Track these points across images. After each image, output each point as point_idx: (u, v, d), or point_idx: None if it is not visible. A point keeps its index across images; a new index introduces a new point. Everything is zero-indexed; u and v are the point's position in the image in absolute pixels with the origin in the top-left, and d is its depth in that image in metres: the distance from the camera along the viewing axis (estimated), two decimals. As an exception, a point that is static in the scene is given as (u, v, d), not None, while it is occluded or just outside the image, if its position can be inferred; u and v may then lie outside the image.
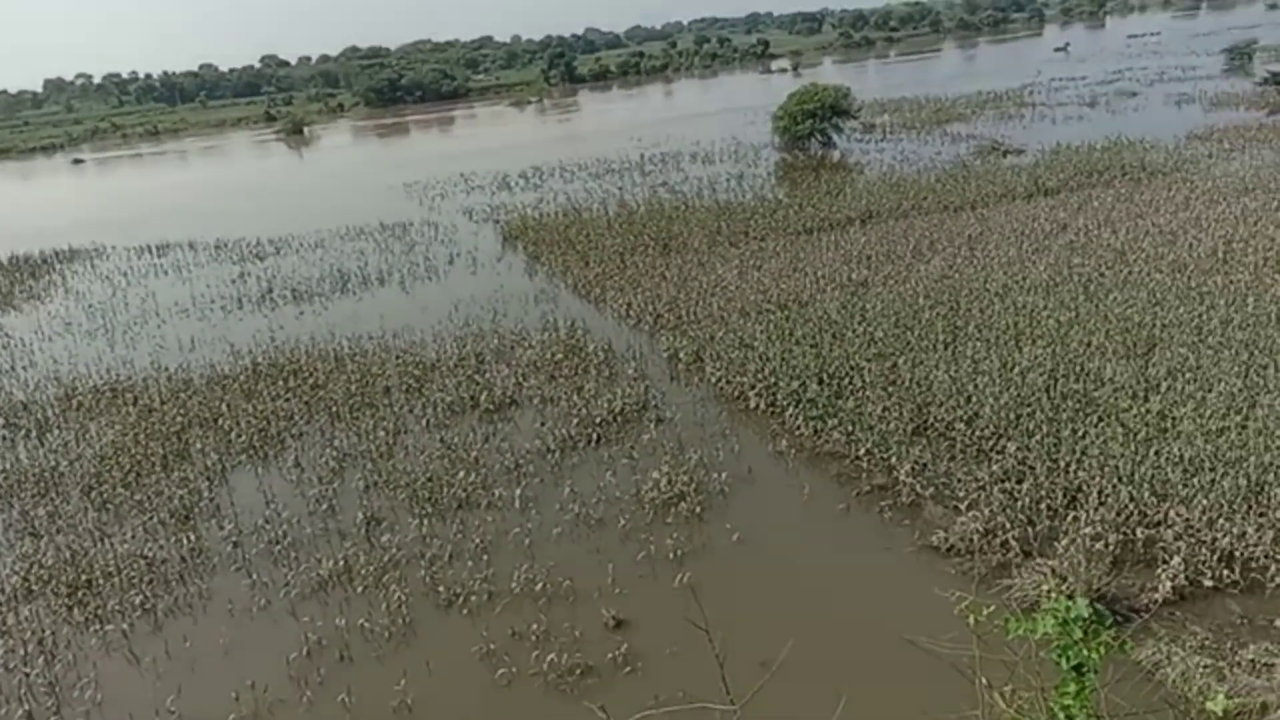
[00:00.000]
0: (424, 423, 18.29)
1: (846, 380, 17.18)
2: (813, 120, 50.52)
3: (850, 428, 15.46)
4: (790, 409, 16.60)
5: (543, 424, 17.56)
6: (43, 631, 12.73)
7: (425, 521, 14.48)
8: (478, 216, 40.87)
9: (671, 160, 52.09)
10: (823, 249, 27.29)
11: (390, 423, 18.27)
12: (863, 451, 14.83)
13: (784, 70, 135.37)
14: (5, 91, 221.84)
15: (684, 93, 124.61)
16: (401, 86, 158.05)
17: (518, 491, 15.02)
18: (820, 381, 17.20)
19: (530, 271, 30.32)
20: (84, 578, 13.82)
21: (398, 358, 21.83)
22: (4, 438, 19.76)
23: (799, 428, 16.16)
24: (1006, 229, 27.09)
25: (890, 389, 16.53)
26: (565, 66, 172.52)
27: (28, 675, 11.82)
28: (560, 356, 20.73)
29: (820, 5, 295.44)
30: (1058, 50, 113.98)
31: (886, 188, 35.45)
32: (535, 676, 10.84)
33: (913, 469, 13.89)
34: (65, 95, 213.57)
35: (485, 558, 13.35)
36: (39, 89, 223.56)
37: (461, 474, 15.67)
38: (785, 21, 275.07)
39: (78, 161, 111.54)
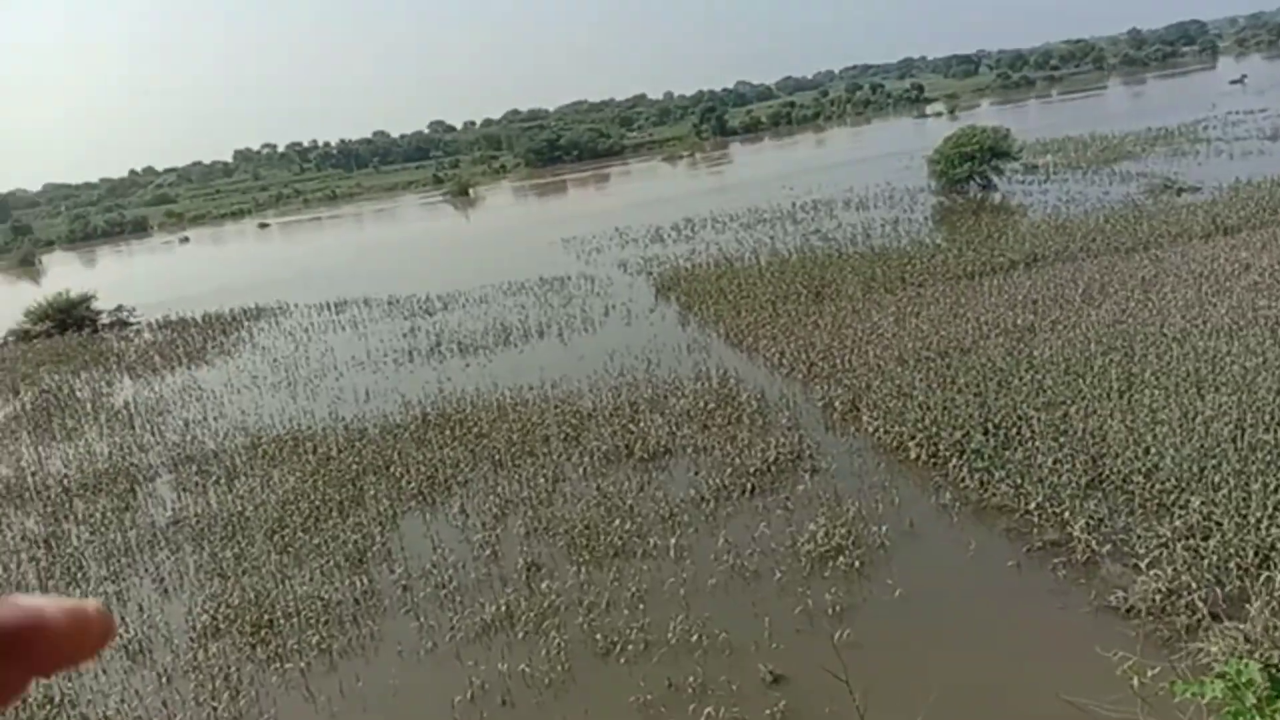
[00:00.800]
0: (581, 471, 18.64)
1: (1014, 430, 16.53)
2: (971, 163, 49.28)
3: (1019, 480, 14.84)
4: (954, 460, 16.08)
5: (696, 473, 17.61)
6: (228, 668, 13.52)
7: (583, 569, 14.70)
8: (631, 269, 41.65)
9: (824, 207, 51.78)
10: (985, 294, 26.48)
11: (549, 470, 18.71)
12: (1033, 505, 14.19)
13: (939, 114, 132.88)
14: (200, 163, 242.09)
15: (836, 140, 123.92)
16: (559, 146, 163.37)
17: (672, 541, 15.07)
18: (985, 431, 16.61)
19: (683, 322, 30.62)
20: (266, 617, 14.65)
21: (556, 407, 22.38)
22: (197, 484, 21.27)
23: (963, 480, 15.62)
24: (1183, 270, 25.60)
25: (1061, 439, 15.79)
26: (716, 120, 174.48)
27: (215, 709, 12.58)
28: (713, 406, 20.79)
29: (976, 47, 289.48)
30: (1233, 83, 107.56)
31: (1052, 229, 34.15)
32: (692, 729, 10.78)
33: (1088, 524, 13.19)
34: (252, 164, 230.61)
35: (641, 607, 13.42)
36: (229, 159, 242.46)
37: (617, 522, 15.87)
38: (940, 65, 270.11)
39: (263, 225, 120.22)
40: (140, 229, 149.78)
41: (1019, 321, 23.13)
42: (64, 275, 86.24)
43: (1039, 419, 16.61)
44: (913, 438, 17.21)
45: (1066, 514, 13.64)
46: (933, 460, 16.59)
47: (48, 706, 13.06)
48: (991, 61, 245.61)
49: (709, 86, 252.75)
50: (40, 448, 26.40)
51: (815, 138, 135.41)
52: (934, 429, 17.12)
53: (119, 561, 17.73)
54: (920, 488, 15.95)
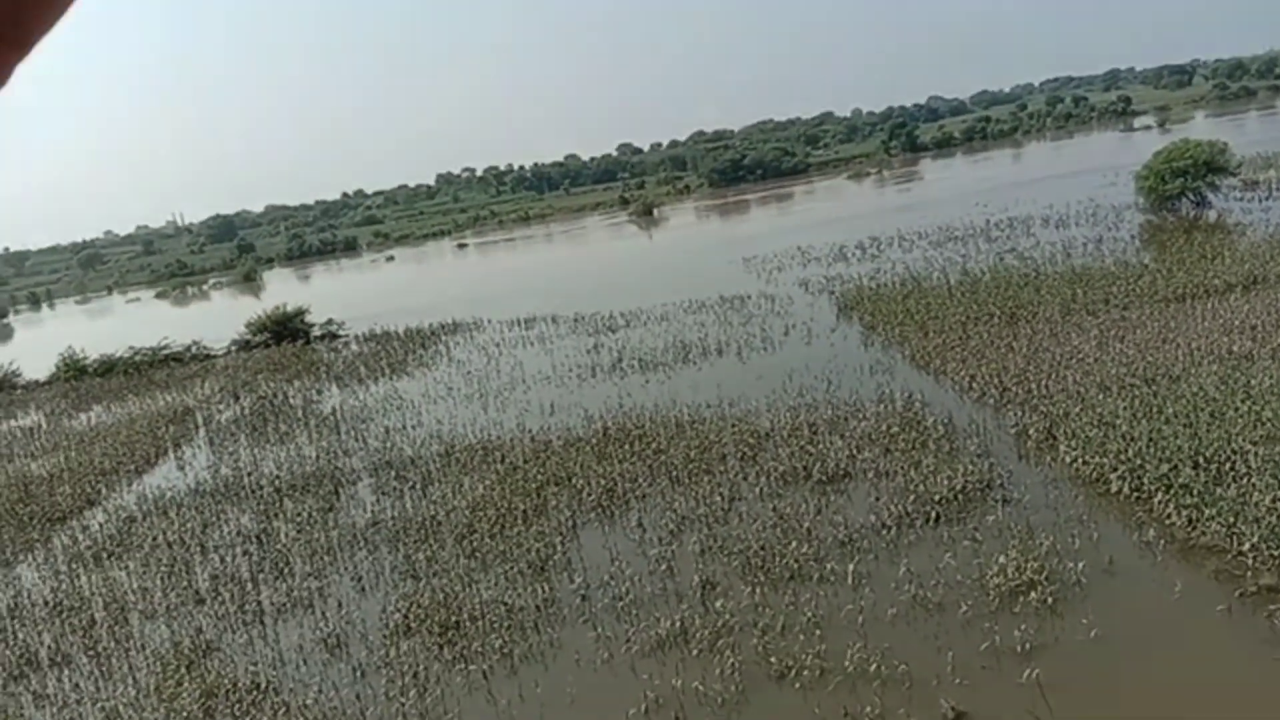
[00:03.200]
0: (757, 490, 18.53)
1: (1227, 465, 15.26)
2: (1183, 179, 46.00)
3: (1232, 519, 13.68)
4: (1159, 495, 15.01)
5: (877, 498, 17.17)
6: (417, 666, 14.18)
7: (758, 590, 14.59)
8: (813, 288, 41.18)
9: (1020, 225, 49.60)
10: (1196, 318, 24.63)
11: (725, 489, 18.69)
12: (1247, 546, 13.05)
13: (1148, 127, 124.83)
14: (405, 186, 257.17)
15: (1034, 156, 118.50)
16: (743, 166, 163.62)
17: (850, 567, 14.74)
18: (1195, 465, 15.41)
19: (866, 342, 29.99)
20: (453, 619, 15.30)
21: (734, 426, 22.36)
22: (395, 488, 22.49)
23: (1169, 516, 14.55)
24: None
25: (1283, 477, 14.47)
26: (906, 136, 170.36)
27: (403, 705, 13.22)
28: (896, 429, 20.22)
29: (1190, 55, 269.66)
30: None
31: (1274, 250, 31.44)
32: (868, 760, 10.49)
33: (1314, 571, 12.03)
34: (453, 187, 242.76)
35: (817, 632, 13.18)
36: (431, 182, 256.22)
37: (794, 544, 15.67)
38: (1149, 75, 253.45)
39: (461, 245, 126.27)
40: (350, 248, 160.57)
41: (1235, 348, 21.38)
42: (281, 290, 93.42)
43: (1256, 454, 15.27)
44: (1114, 469, 16.18)
45: (1289, 559, 12.48)
46: (1136, 494, 15.54)
47: (254, 692, 14.10)
48: (1208, 71, 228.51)
49: (899, 102, 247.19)
50: (256, 450, 28.61)
51: (1012, 153, 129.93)
52: (1138, 461, 16.03)
53: (322, 559, 18.97)
54: (1121, 523, 14.97)
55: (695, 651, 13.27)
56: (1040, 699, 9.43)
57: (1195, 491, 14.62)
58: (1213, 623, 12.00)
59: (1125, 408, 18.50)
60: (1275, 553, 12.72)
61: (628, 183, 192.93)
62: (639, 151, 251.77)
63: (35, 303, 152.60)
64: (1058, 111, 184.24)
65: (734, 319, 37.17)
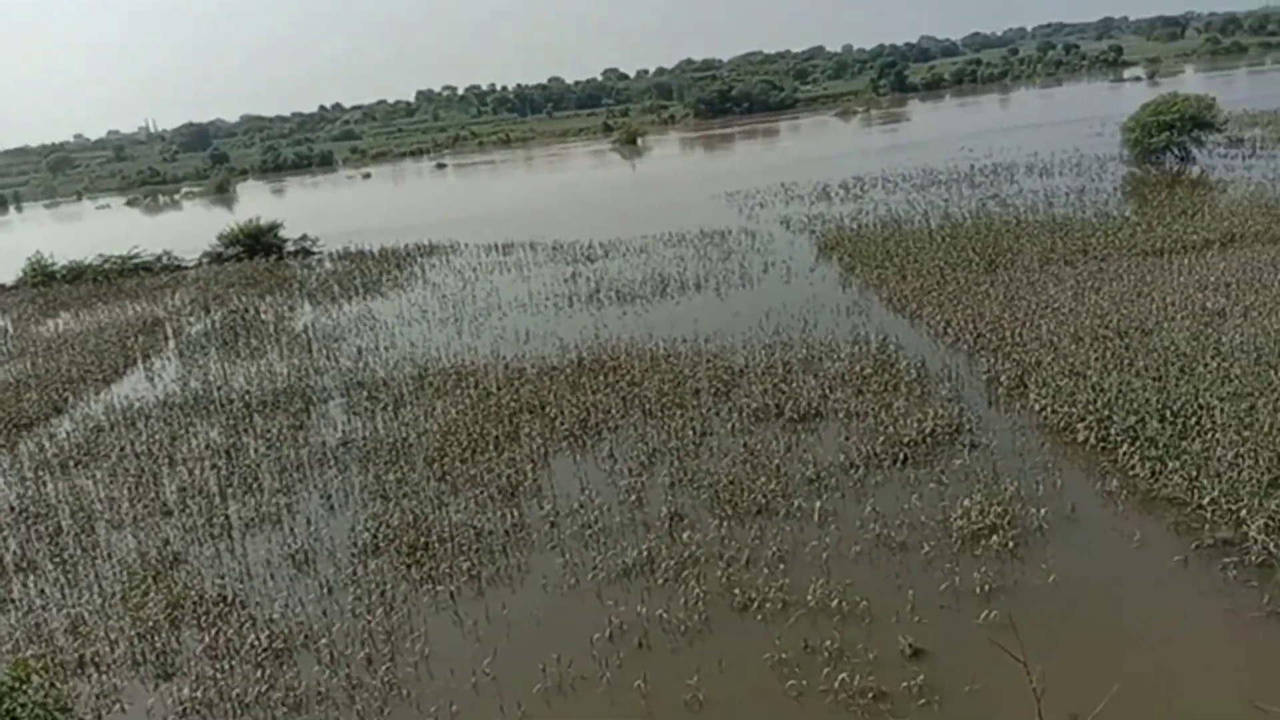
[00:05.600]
0: (729, 426, 18.63)
1: (1193, 419, 15.49)
2: (1169, 133, 45.84)
3: (1194, 472, 13.93)
4: (1125, 446, 15.24)
5: (847, 438, 17.32)
6: (385, 585, 14.26)
7: (725, 523, 14.76)
8: (795, 226, 41.00)
9: (1004, 172, 49.46)
10: (1173, 273, 24.79)
11: (698, 423, 18.78)
12: (1207, 500, 13.31)
13: (1138, 79, 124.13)
14: (385, 101, 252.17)
15: (1023, 102, 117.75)
16: (730, 98, 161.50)
17: (818, 504, 14.92)
18: (1162, 419, 15.62)
19: (844, 283, 29.98)
20: (422, 540, 15.38)
21: (708, 361, 22.39)
22: (367, 409, 22.42)
23: (1133, 467, 14.80)
24: None
25: (1245, 433, 14.70)
26: (896, 75, 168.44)
27: (369, 623, 13.33)
28: (869, 371, 20.33)
29: (1184, 8, 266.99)
30: None
31: (1255, 208, 31.56)
32: (826, 693, 10.73)
33: (1267, 525, 12.29)
34: (433, 105, 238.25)
35: (781, 566, 13.38)
36: (412, 99, 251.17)
37: (762, 480, 15.82)
38: (1142, 26, 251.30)
39: (440, 166, 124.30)
40: (326, 163, 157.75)
41: (1209, 305, 21.57)
42: (255, 203, 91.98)
43: (1222, 409, 15.50)
44: (1082, 419, 16.38)
45: (1244, 512, 12.77)
46: (1102, 445, 15.77)
47: (220, 604, 14.17)
48: (1200, 24, 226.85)
49: (890, 41, 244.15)
50: (226, 364, 28.37)
51: (1000, 98, 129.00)
52: (1106, 412, 16.23)
53: (291, 476, 18.95)
54: (1085, 472, 15.21)
55: (661, 581, 13.44)
56: (1008, 636, 9.63)
57: (1160, 444, 14.85)
58: (1169, 573, 12.29)
59: (1097, 359, 18.67)
60: (1233, 507, 12.98)
61: (612, 109, 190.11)
62: (625, 78, 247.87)
63: (2, 205, 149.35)
64: (1049, 58, 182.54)
65: (713, 254, 36.98)
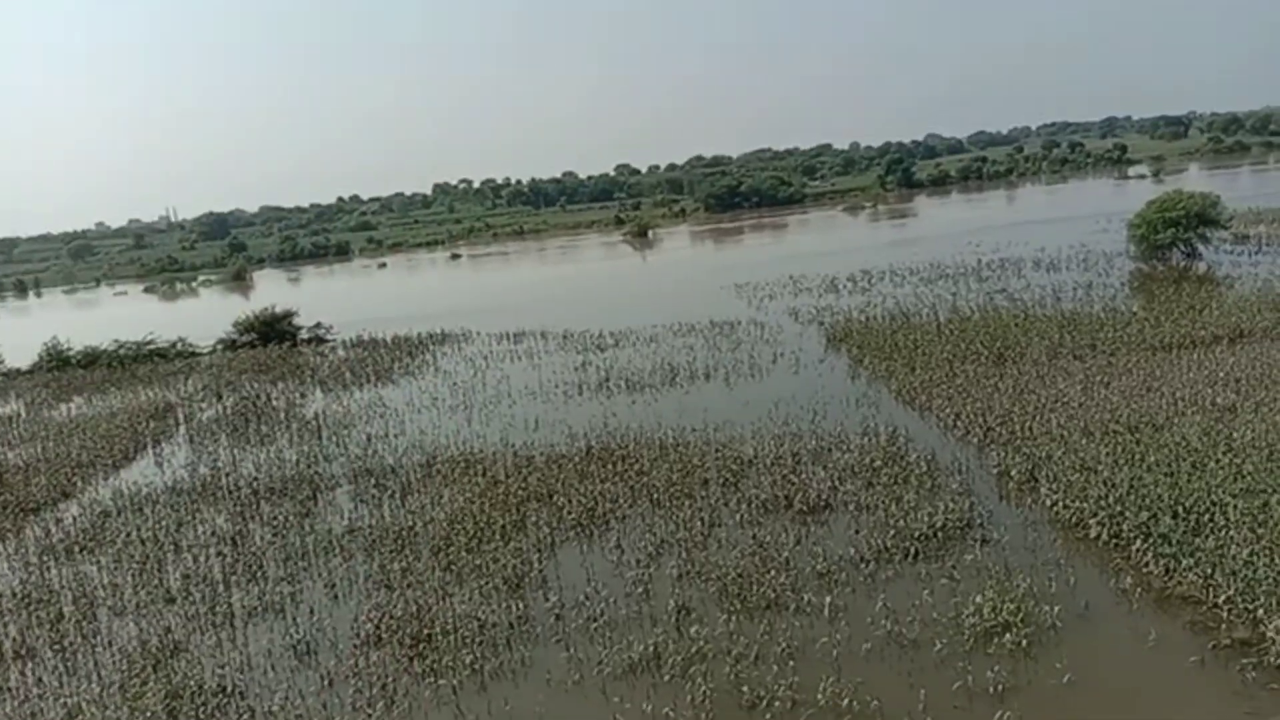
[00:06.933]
0: (738, 517, 18.48)
1: (1206, 516, 15.31)
2: (1175, 229, 46.43)
3: (1209, 570, 13.72)
4: (1137, 543, 15.05)
5: (857, 531, 17.15)
6: (386, 678, 14.00)
7: (733, 618, 14.52)
8: (803, 318, 41.29)
9: (1011, 266, 49.93)
10: (1182, 368, 24.79)
11: (706, 514, 18.64)
12: (1223, 599, 13.09)
13: (1143, 176, 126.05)
14: (401, 194, 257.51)
15: (1029, 199, 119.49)
16: (740, 193, 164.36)
17: (828, 599, 14.69)
18: (1175, 515, 15.45)
19: (853, 375, 30.04)
20: (425, 632, 15.14)
21: (717, 451, 22.33)
22: (374, 496, 22.33)
23: (1147, 565, 14.59)
24: None
25: (1260, 530, 14.51)
26: (903, 172, 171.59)
27: (370, 716, 13.05)
28: (879, 463, 20.23)
29: (1187, 108, 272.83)
30: None
31: (1263, 304, 31.74)
32: (835, 796, 10.41)
33: (1288, 626, 12.05)
34: (449, 198, 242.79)
35: (791, 664, 13.12)
36: (428, 192, 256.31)
37: (771, 574, 15.61)
38: (1146, 125, 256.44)
39: (455, 256, 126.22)
40: (343, 253, 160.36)
41: (1219, 400, 21.52)
42: (271, 291, 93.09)
43: (1235, 506, 15.33)
44: (1094, 515, 16.22)
45: (1260, 611, 12.54)
46: (1114, 541, 15.57)
47: (220, 695, 13.93)
48: (1203, 124, 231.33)
49: (897, 138, 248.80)
50: (235, 450, 28.39)
51: (1007, 195, 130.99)
52: (1118, 507, 16.08)
53: (296, 564, 18.79)
54: (1099, 569, 14.99)
55: (667, 677, 13.18)
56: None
57: (1173, 541, 14.66)
58: (1186, 674, 12.01)
59: (1108, 453, 18.56)
60: (1250, 606, 12.75)
61: (624, 203, 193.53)
62: (637, 172, 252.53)
63: (22, 290, 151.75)
64: (1054, 156, 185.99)
65: (723, 344, 37.18)
